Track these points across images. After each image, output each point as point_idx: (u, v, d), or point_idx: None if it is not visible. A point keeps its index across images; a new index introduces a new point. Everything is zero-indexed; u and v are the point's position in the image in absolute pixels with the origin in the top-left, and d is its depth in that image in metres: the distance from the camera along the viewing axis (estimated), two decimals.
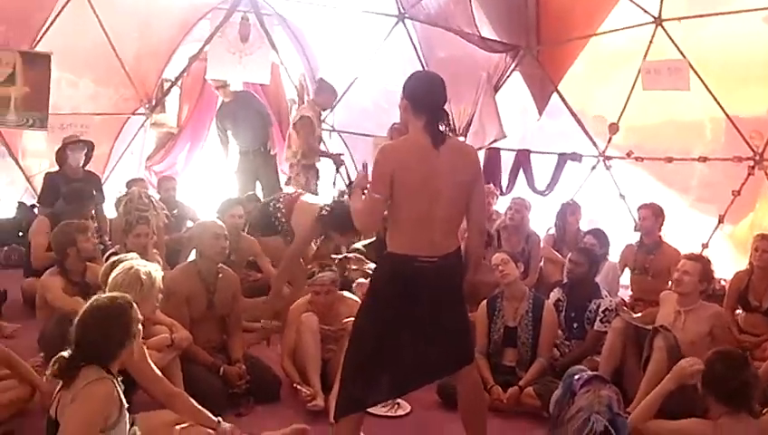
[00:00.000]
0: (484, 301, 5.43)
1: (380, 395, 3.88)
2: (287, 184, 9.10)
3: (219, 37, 9.94)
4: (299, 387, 4.90)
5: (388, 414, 4.85)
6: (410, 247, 3.65)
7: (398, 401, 4.90)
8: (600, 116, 8.84)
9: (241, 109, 9.44)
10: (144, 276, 4.14)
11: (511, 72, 9.13)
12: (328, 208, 6.08)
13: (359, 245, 6.73)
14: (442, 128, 3.67)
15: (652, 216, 6.76)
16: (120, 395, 3.34)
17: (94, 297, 3.57)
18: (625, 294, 7.04)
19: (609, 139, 8.94)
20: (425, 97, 3.69)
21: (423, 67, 9.14)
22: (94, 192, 7.06)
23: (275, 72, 11.15)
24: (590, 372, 3.16)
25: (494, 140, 8.97)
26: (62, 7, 8.81)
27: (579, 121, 9.12)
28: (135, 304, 3.51)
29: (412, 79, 3.78)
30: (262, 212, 6.54)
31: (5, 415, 4.24)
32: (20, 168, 9.36)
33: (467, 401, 3.96)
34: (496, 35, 8.87)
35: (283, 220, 6.38)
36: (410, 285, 3.65)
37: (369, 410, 4.58)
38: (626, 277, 7.16)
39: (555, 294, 5.84)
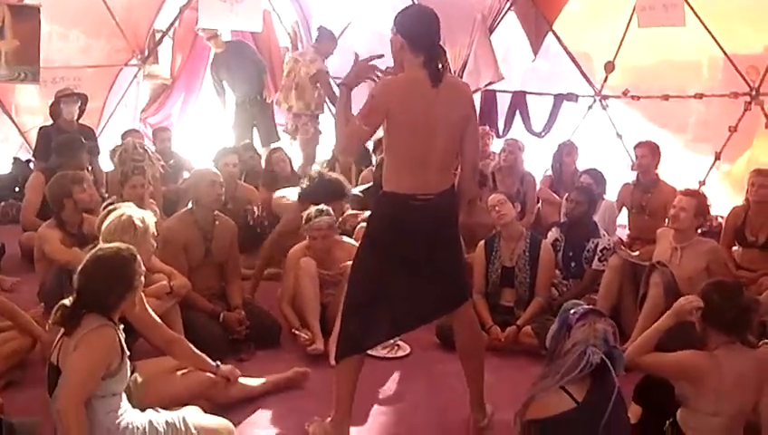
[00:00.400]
0: (482, 242, 5.44)
1: (379, 336, 3.90)
2: (287, 133, 9.06)
3: None
4: (297, 332, 4.94)
5: (389, 356, 4.91)
6: (407, 186, 3.62)
7: (398, 342, 4.95)
8: (610, 62, 8.67)
9: (234, 58, 9.35)
10: (137, 222, 4.13)
11: (505, 13, 9.01)
12: (306, 183, 5.99)
13: (356, 190, 6.71)
14: (440, 65, 3.62)
15: (649, 153, 6.73)
16: (121, 342, 3.38)
17: (98, 247, 3.59)
18: (622, 233, 7.05)
19: (606, 78, 8.86)
20: (423, 34, 3.61)
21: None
22: (84, 141, 7.00)
23: (267, 20, 11.01)
24: (585, 306, 3.15)
25: (491, 83, 8.90)
26: None
27: (574, 61, 9.03)
28: (138, 257, 3.52)
29: (406, 15, 3.68)
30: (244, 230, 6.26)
31: (7, 365, 4.30)
32: (14, 123, 9.33)
33: (464, 340, 3.98)
34: None
35: (266, 223, 6.39)
36: (407, 225, 3.64)
37: (369, 351, 4.66)
38: (623, 217, 7.16)
39: (553, 233, 5.85)
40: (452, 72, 8.92)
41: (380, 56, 3.76)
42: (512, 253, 5.31)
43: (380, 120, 3.55)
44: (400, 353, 4.98)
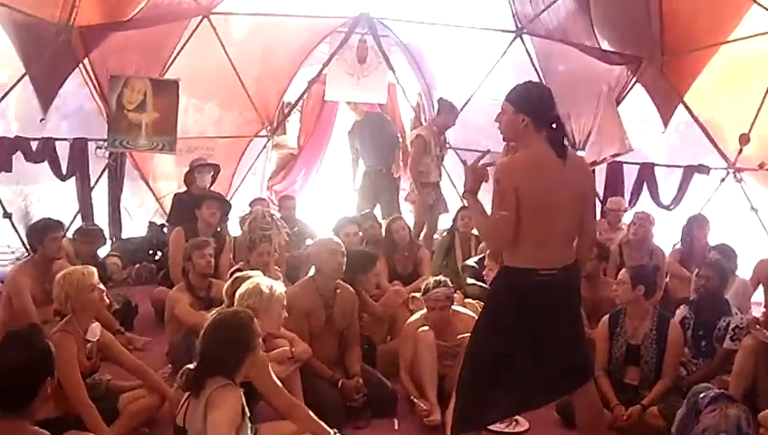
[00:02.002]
0: (606, 316, 5.28)
1: (498, 413, 3.84)
2: (406, 200, 9.18)
3: (337, 60, 10.16)
4: (416, 401, 4.90)
5: (506, 431, 4.78)
6: (531, 261, 3.59)
7: (517, 417, 4.82)
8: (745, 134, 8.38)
9: (368, 128, 9.60)
10: (265, 289, 4.25)
11: (633, 85, 8.89)
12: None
13: (470, 262, 6.67)
14: (565, 141, 3.63)
15: None
16: (244, 404, 3.45)
17: (216, 310, 3.71)
18: (758, 311, 6.68)
19: (740, 150, 8.55)
20: (545, 110, 3.63)
21: (541, 82, 9.03)
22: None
23: (392, 93, 11.28)
24: (716, 390, 3.01)
25: (618, 154, 8.74)
26: (189, 36, 9.24)
27: (706, 132, 8.77)
28: (255, 319, 3.62)
29: (525, 92, 3.68)
30: None
31: (137, 422, 4.46)
32: (150, 189, 9.84)
33: (586, 419, 3.87)
34: (617, 48, 8.68)
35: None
36: (529, 299, 3.60)
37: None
38: (759, 294, 6.81)
39: (682, 311, 5.62)
40: (576, 143, 8.85)
41: (487, 152, 3.79)
42: (635, 330, 5.12)
43: (513, 200, 3.51)
44: (519, 429, 4.85)
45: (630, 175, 9.03)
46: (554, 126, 3.59)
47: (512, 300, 3.65)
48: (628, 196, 8.97)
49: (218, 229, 7.23)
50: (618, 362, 5.12)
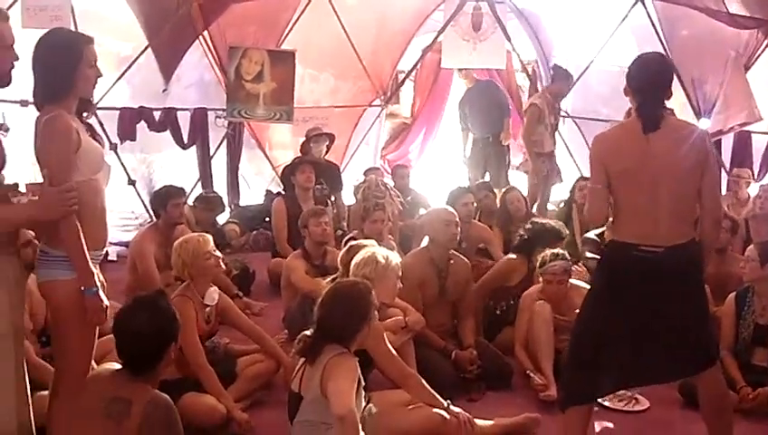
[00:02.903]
0: (732, 294, 5.04)
1: (604, 387, 3.76)
2: (518, 169, 9.04)
3: (452, 26, 10.03)
4: (532, 374, 4.83)
5: (624, 408, 4.65)
6: (631, 235, 3.50)
7: (636, 395, 4.69)
8: None
9: (480, 97, 9.53)
10: (381, 258, 4.27)
11: (763, 51, 8.39)
12: (524, 236, 5.80)
13: (591, 234, 6.50)
14: (656, 111, 3.50)
15: None
16: (359, 371, 3.48)
17: (336, 281, 3.76)
18: None
19: None
20: (639, 78, 3.57)
21: (664, 48, 8.64)
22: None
23: (508, 60, 11.07)
24: None
25: (746, 123, 8.30)
26: (305, 6, 9.32)
27: None
28: (373, 291, 3.65)
29: (633, 61, 3.67)
30: None
31: (254, 386, 4.58)
32: (267, 158, 10.04)
33: (710, 401, 3.72)
34: (746, 11, 8.19)
35: None
36: (628, 275, 3.50)
37: (604, 403, 4.47)
38: None
39: None
40: (702, 111, 8.45)
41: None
42: (764, 309, 4.85)
43: (603, 173, 3.54)
44: (637, 408, 4.70)
45: (760, 147, 8.56)
46: (645, 95, 3.52)
47: (612, 274, 3.59)
48: (757, 168, 8.52)
49: (317, 193, 7.32)
50: (745, 343, 4.88)
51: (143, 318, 3.19)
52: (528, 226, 5.86)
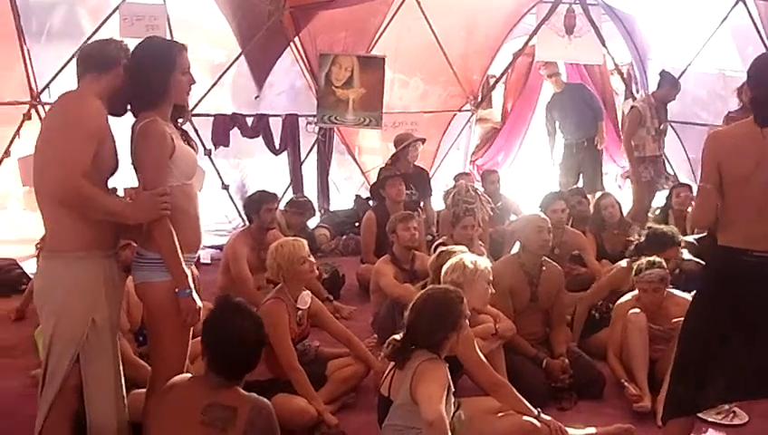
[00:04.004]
0: None
1: (711, 399, 3.61)
2: (622, 177, 8.85)
3: (546, 25, 9.89)
4: (626, 383, 4.69)
5: (722, 422, 4.47)
6: (742, 240, 3.36)
7: (734, 408, 4.50)
8: None
9: (570, 100, 9.35)
10: (469, 264, 4.24)
11: None
12: (639, 241, 5.68)
13: (690, 238, 6.29)
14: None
15: None
16: (448, 377, 3.45)
17: (430, 286, 3.75)
18: None
19: None
20: (755, 74, 3.44)
21: (767, 49, 8.32)
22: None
23: (602, 63, 10.87)
24: None
25: None
26: (395, 12, 9.36)
27: None
28: (465, 299, 3.63)
29: (755, 59, 3.53)
30: None
31: (343, 389, 4.59)
32: (357, 163, 10.12)
33: None
34: None
35: None
36: (739, 282, 3.36)
37: (701, 415, 4.29)
38: None
39: None
40: None
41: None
42: None
43: (716, 174, 3.39)
44: (736, 421, 4.51)
45: None
46: (759, 90, 3.38)
47: (722, 281, 3.45)
48: None
49: (407, 199, 7.33)
50: None
51: (240, 324, 3.19)
52: (643, 231, 5.74)
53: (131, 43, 3.44)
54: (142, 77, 3.30)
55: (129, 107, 3.40)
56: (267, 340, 3.36)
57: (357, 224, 8.66)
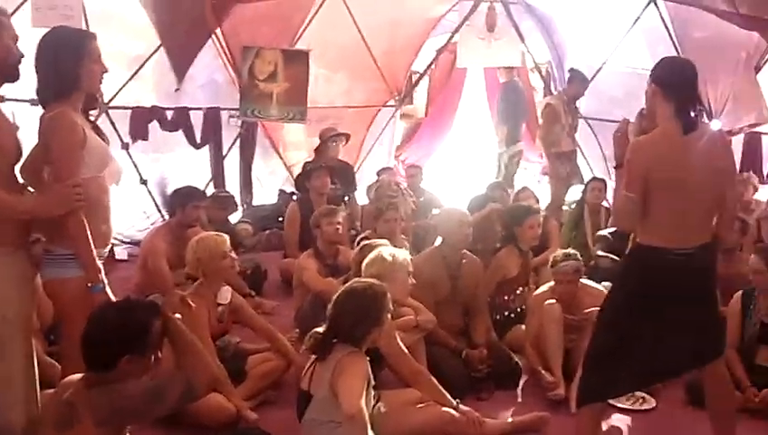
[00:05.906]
0: (739, 293, 5.00)
1: (623, 388, 3.82)
2: (541, 173, 9.07)
3: (467, 26, 10.02)
4: (543, 372, 4.82)
5: (633, 408, 4.65)
6: (663, 240, 3.50)
7: (643, 395, 4.69)
8: None
9: (502, 96, 9.65)
10: (387, 256, 4.30)
11: None
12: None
13: (604, 232, 6.48)
14: (693, 114, 3.50)
15: None
16: (369, 371, 3.49)
17: (353, 280, 3.77)
18: None
19: None
20: (675, 81, 3.55)
21: (676, 49, 8.60)
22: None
23: (522, 62, 11.07)
24: None
25: (755, 125, 8.24)
26: (319, 7, 9.31)
27: None
28: (388, 294, 3.66)
29: (661, 63, 3.68)
30: None
31: (263, 384, 4.58)
32: (281, 158, 10.05)
33: (716, 398, 3.77)
34: (757, 12, 8.13)
35: None
36: (661, 279, 3.51)
37: (612, 402, 4.44)
38: None
39: None
40: (713, 112, 8.41)
41: (626, 122, 3.80)
42: None
43: (641, 181, 3.46)
44: (645, 407, 4.70)
45: None
46: (682, 98, 3.50)
47: (642, 279, 3.57)
48: (767, 170, 8.45)
49: (331, 194, 7.34)
50: (750, 341, 4.85)
51: (103, 321, 2.83)
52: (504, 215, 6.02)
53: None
54: (51, 67, 3.19)
55: (36, 97, 3.27)
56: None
57: (280, 219, 8.61)
